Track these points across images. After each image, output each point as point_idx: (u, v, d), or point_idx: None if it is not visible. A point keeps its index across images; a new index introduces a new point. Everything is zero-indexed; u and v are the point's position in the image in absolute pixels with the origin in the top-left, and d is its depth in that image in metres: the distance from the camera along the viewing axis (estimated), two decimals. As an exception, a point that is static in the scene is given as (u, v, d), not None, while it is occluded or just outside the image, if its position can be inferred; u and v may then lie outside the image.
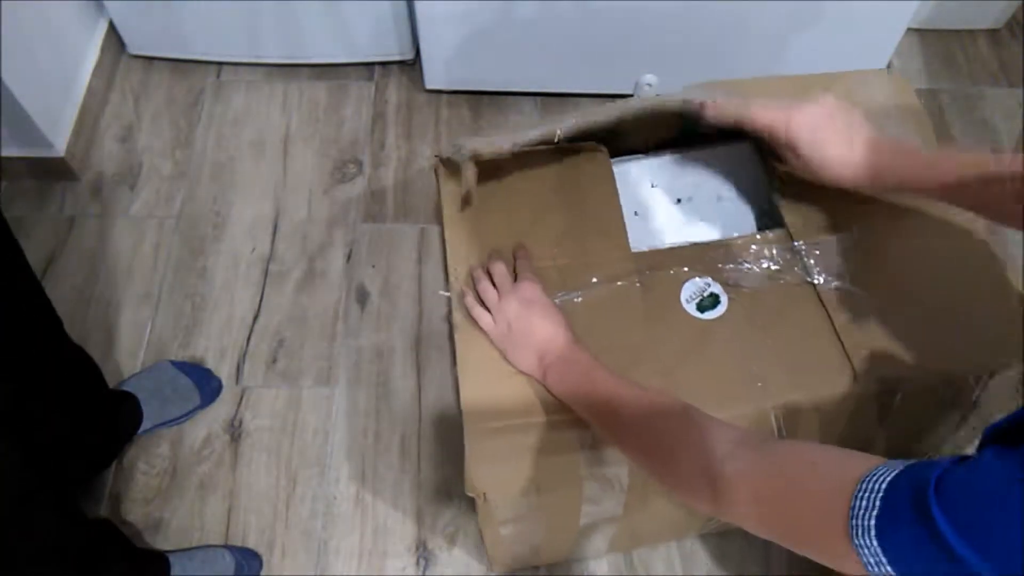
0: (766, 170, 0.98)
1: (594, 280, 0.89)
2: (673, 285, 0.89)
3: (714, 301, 0.88)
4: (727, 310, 0.88)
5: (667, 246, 0.94)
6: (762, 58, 1.52)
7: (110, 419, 1.23)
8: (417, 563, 1.22)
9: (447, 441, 1.31)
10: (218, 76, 1.72)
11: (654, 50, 1.51)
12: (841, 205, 0.92)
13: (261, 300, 1.45)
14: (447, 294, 0.92)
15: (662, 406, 0.73)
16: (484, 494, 0.80)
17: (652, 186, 1.03)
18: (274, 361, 1.39)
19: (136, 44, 1.71)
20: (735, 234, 0.95)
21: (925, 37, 1.78)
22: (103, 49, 1.66)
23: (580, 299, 0.88)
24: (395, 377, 1.37)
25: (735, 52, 1.50)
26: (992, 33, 1.80)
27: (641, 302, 0.88)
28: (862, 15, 1.43)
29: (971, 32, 1.80)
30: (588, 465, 0.82)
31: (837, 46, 1.47)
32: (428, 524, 1.25)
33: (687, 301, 0.88)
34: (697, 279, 0.90)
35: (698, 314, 0.87)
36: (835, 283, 0.88)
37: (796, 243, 0.91)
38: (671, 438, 0.71)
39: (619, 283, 0.89)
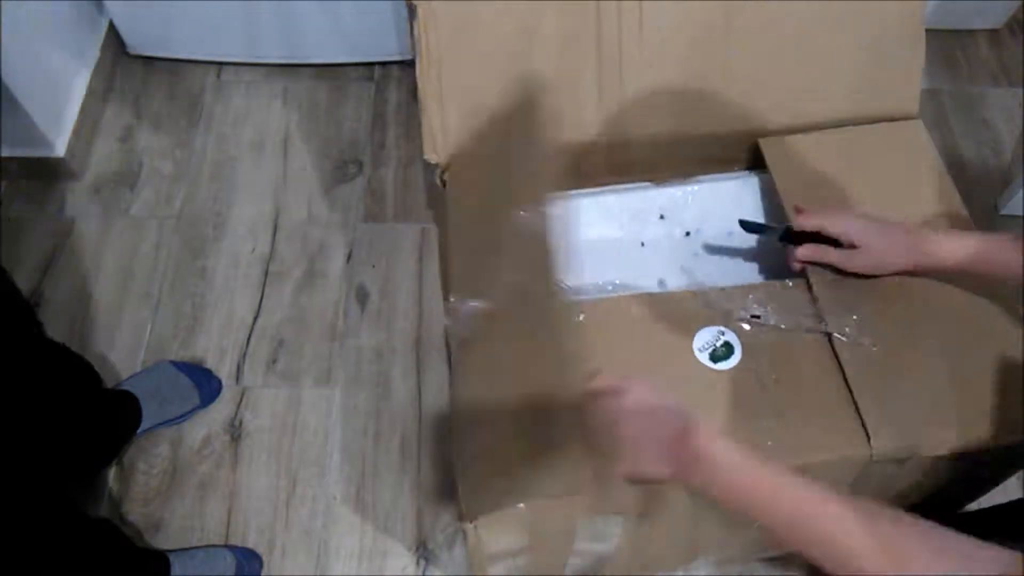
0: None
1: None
2: (686, 329, 0.86)
3: (728, 351, 0.85)
4: (740, 361, 0.84)
5: (681, 287, 0.90)
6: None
7: (109, 419, 1.23)
8: (417, 563, 1.22)
9: (447, 441, 1.31)
10: (218, 76, 1.72)
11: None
12: None
13: (261, 300, 1.45)
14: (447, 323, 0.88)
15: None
16: (475, 525, 0.78)
17: (661, 217, 1.01)
18: (274, 361, 1.39)
19: (136, 44, 1.71)
20: (745, 271, 0.91)
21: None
22: (103, 49, 1.66)
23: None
24: (395, 377, 1.37)
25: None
26: (992, 33, 1.80)
27: (653, 344, 0.85)
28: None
29: (971, 32, 1.80)
30: (584, 506, 0.79)
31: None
32: (428, 524, 1.25)
33: (700, 350, 0.85)
34: (711, 327, 0.86)
35: (711, 364, 0.84)
36: (854, 339, 0.85)
37: (815, 293, 0.88)
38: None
39: (633, 323, 0.86)
